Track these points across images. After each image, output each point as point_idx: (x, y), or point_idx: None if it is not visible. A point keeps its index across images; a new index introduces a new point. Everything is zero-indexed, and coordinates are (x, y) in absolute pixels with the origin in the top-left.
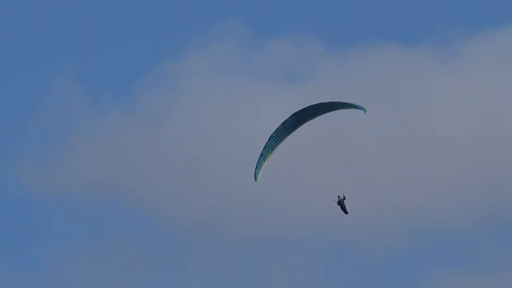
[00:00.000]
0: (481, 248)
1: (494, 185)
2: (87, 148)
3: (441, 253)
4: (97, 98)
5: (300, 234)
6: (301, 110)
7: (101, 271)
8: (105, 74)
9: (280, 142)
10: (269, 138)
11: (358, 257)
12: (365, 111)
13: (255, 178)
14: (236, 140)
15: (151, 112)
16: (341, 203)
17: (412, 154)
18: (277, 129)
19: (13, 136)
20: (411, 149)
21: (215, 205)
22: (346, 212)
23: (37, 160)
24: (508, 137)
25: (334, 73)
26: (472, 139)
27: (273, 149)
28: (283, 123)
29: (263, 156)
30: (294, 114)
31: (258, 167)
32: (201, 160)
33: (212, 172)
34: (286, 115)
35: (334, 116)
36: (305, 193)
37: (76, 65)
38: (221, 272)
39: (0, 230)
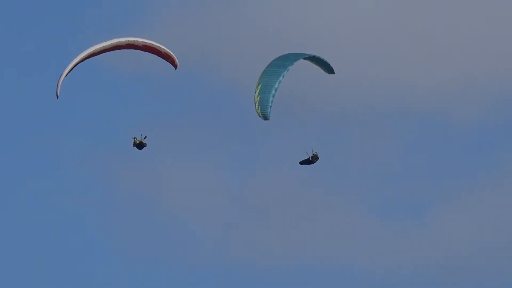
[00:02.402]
0: None
1: None
2: (162, 22)
3: None
4: None
5: (380, 107)
6: (293, 54)
7: (181, 146)
8: None
9: (279, 78)
10: (268, 74)
11: (442, 132)
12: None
13: (267, 117)
14: (315, 16)
15: None
16: (310, 161)
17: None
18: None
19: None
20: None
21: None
22: (304, 163)
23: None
24: None
25: None
26: None
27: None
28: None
29: (269, 91)
30: (286, 56)
31: (266, 104)
32: (279, 35)
33: (290, 44)
34: None
35: None
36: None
37: None
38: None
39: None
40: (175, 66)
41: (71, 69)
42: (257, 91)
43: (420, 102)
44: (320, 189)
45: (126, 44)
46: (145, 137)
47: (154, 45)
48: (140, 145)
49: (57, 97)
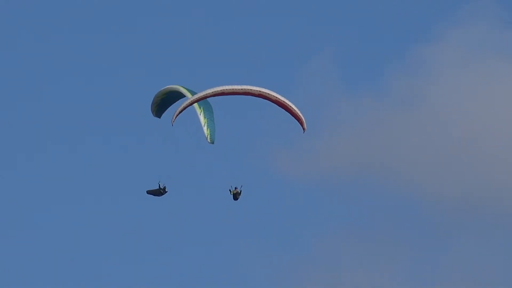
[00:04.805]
0: None
1: None
2: (343, 132)
3: None
4: (349, 80)
5: None
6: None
7: (363, 255)
8: (357, 57)
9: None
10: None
11: None
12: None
13: (213, 141)
14: (491, 123)
15: (403, 97)
16: (160, 193)
17: None
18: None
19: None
20: None
21: (479, 183)
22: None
23: (289, 145)
24: None
25: None
26: None
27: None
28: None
29: (213, 122)
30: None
31: (214, 132)
32: (458, 143)
33: (470, 151)
34: None
35: None
36: None
37: (332, 47)
38: (488, 251)
39: (260, 217)
40: (304, 129)
41: (195, 102)
42: (206, 117)
43: None
44: None
45: (258, 94)
46: (240, 190)
47: (286, 103)
48: (235, 196)
49: (172, 124)
